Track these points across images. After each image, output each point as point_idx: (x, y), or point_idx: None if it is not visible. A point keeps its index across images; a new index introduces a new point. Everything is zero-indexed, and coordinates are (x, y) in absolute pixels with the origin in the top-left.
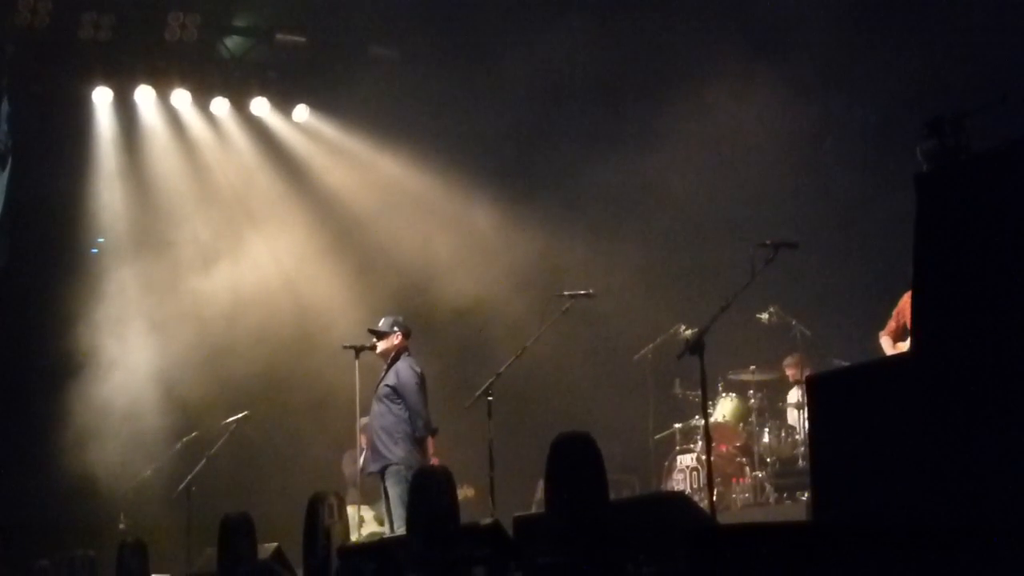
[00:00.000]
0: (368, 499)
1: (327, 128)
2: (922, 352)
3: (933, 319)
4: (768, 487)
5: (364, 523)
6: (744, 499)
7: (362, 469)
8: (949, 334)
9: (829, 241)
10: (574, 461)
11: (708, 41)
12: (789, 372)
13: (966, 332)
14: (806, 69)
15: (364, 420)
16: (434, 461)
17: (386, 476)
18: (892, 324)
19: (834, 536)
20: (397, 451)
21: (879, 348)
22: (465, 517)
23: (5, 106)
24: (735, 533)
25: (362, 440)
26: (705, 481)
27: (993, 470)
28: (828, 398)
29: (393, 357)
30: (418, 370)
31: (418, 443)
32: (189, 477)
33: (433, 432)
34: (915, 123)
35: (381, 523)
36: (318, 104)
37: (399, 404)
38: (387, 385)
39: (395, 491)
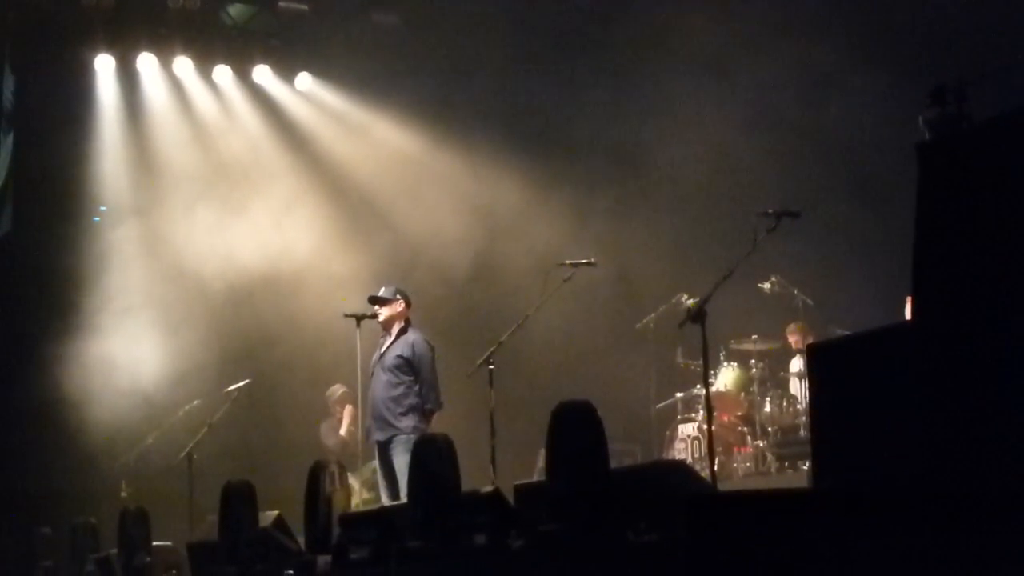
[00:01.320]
0: (352, 467)
1: (329, 96)
2: (923, 320)
3: (934, 287)
4: (769, 456)
5: (353, 491)
6: (745, 468)
7: (365, 437)
8: (950, 302)
9: (832, 210)
10: (575, 429)
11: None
12: (792, 339)
13: (967, 300)
14: (809, 34)
15: (338, 390)
16: None
17: (393, 446)
18: None
19: (833, 503)
20: (406, 421)
21: (884, 316)
22: (466, 485)
23: (7, 74)
24: (734, 500)
25: (336, 410)
26: (706, 450)
27: (993, 437)
28: (829, 366)
29: (401, 328)
30: (431, 343)
31: (426, 415)
32: (191, 445)
33: (441, 406)
34: (919, 91)
35: (371, 488)
36: (321, 72)
37: (410, 375)
38: (399, 356)
39: (402, 460)
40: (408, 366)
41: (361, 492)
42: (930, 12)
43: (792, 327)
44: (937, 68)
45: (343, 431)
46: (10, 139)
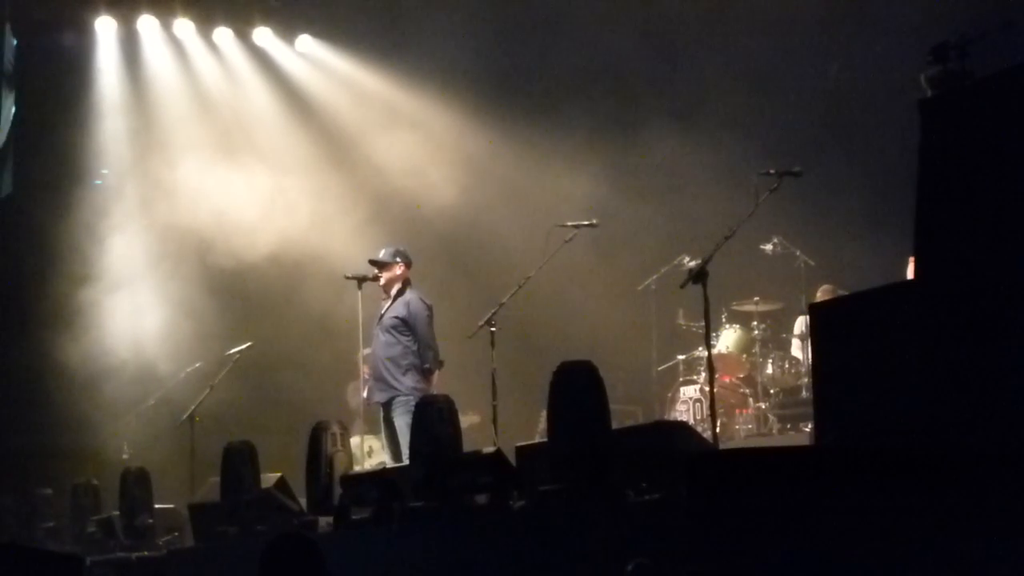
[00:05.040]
0: (374, 429)
1: (330, 58)
2: (925, 277)
3: (936, 244)
4: (771, 418)
5: (373, 453)
6: (747, 430)
7: (366, 399)
8: (951, 259)
9: (833, 170)
10: (576, 389)
11: None
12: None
13: (968, 257)
14: None
15: (367, 351)
16: None
17: (393, 406)
18: None
19: (834, 460)
20: (406, 381)
21: (886, 277)
22: (468, 445)
23: (8, 35)
24: (734, 459)
25: (365, 371)
26: (708, 412)
27: (993, 394)
28: (831, 326)
29: (399, 289)
30: (428, 302)
31: (425, 374)
32: (193, 407)
33: (440, 364)
34: (921, 49)
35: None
36: (321, 33)
37: (407, 335)
38: (396, 317)
39: (402, 421)
40: (405, 326)
41: (371, 456)
42: None
43: (825, 288)
44: (939, 26)
45: (364, 393)
46: (11, 101)
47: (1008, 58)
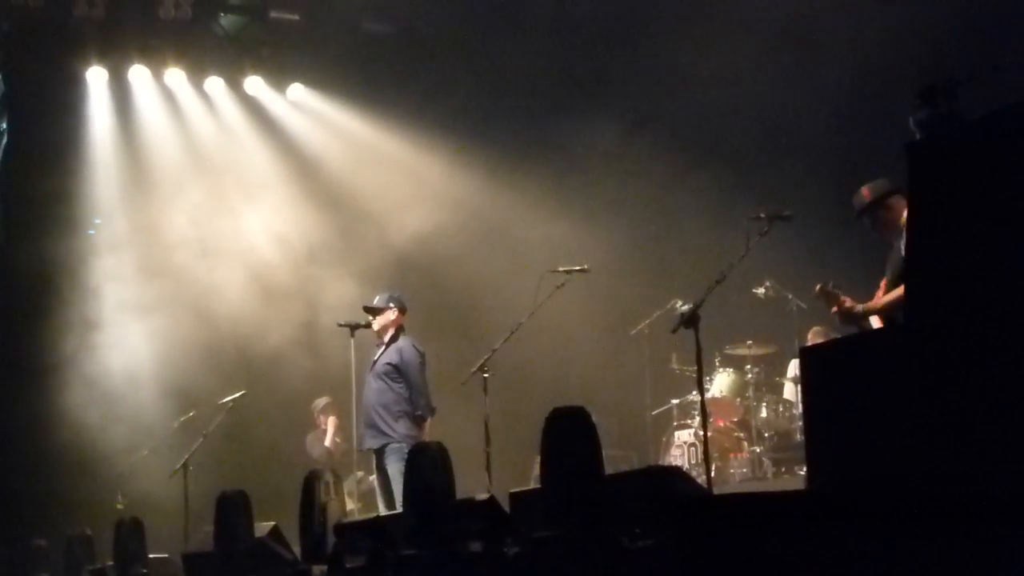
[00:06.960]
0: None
1: (322, 106)
2: (915, 322)
3: (926, 289)
4: (766, 461)
5: None
6: (742, 474)
7: (357, 446)
8: (942, 303)
9: (824, 213)
10: (568, 435)
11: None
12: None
13: (959, 301)
14: (800, 37)
15: (322, 401)
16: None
17: (386, 454)
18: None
19: (827, 505)
20: (399, 428)
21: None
22: (461, 492)
23: (0, 84)
24: (727, 504)
25: (321, 420)
26: (703, 456)
27: (987, 437)
28: (822, 369)
29: (392, 335)
30: (420, 349)
31: (417, 421)
32: (186, 456)
33: (433, 411)
34: (909, 92)
35: (357, 499)
36: (313, 82)
37: (400, 382)
38: (388, 363)
39: (396, 468)
40: (397, 372)
41: (349, 502)
42: (920, 13)
43: (816, 330)
44: (927, 70)
45: (327, 442)
46: (2, 150)
47: (996, 101)
